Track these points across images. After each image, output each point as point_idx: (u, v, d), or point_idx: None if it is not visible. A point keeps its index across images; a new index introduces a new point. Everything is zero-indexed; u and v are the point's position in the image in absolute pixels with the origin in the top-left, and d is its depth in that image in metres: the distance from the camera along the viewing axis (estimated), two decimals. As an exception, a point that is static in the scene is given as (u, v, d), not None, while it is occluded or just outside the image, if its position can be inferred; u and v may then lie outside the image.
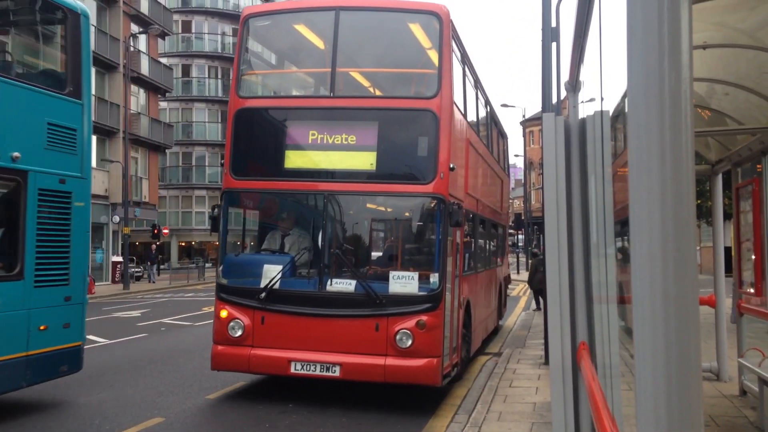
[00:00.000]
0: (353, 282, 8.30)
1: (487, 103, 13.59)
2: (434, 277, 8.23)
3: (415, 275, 8.21)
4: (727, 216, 12.95)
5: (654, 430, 1.07)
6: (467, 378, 10.41)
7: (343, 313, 8.22)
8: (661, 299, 1.05)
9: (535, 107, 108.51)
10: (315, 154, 8.89)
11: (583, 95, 3.43)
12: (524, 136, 51.11)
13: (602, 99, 2.55)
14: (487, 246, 13.69)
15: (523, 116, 48.72)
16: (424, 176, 8.42)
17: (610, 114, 2.44)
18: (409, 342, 7.96)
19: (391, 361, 8.00)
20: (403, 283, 8.16)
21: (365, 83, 10.28)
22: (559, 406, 3.38)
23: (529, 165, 53.79)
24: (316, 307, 8.30)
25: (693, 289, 1.06)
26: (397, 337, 7.99)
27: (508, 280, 18.22)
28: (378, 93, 10.18)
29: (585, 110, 3.34)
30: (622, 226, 2.07)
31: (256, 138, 9.38)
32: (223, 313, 8.61)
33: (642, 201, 1.08)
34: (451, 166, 8.37)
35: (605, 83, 2.44)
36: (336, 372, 8.10)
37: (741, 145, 7.60)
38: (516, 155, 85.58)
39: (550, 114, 3.43)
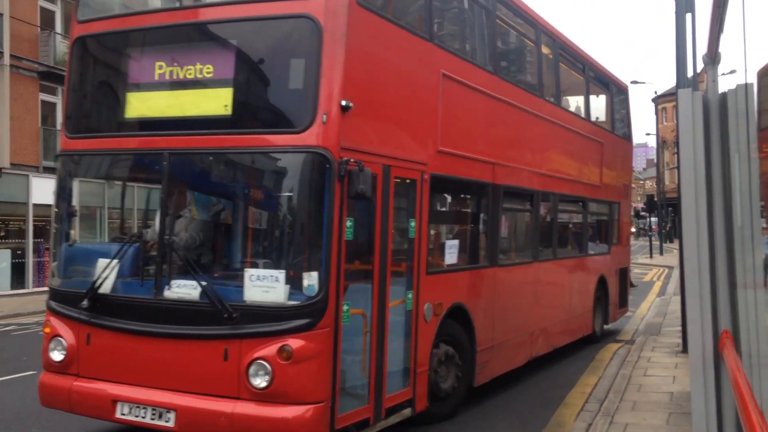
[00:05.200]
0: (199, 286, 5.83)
1: (542, 34, 10.14)
2: (311, 279, 5.58)
3: (281, 275, 5.57)
4: None
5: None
6: (596, 366, 10.12)
7: (181, 332, 5.81)
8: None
9: (667, 83, 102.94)
10: (162, 97, 6.45)
11: (723, 68, 3.23)
12: (656, 113, 48.51)
13: (746, 71, 2.39)
14: (548, 229, 10.40)
15: (655, 92, 46.30)
16: (296, 121, 5.78)
17: (756, 87, 2.29)
18: (266, 379, 5.42)
19: (243, 408, 5.48)
20: (265, 286, 5.61)
21: None
22: (699, 396, 3.23)
23: (662, 144, 51.15)
24: (148, 322, 5.94)
25: None
26: (250, 371, 5.47)
27: (625, 271, 13.82)
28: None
29: (725, 84, 3.15)
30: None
31: (97, 78, 7.04)
32: (47, 329, 6.45)
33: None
34: (344, 103, 5.70)
35: (749, 54, 2.29)
36: (170, 421, 5.72)
37: None
38: (647, 134, 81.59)
39: (687, 90, 3.26)
